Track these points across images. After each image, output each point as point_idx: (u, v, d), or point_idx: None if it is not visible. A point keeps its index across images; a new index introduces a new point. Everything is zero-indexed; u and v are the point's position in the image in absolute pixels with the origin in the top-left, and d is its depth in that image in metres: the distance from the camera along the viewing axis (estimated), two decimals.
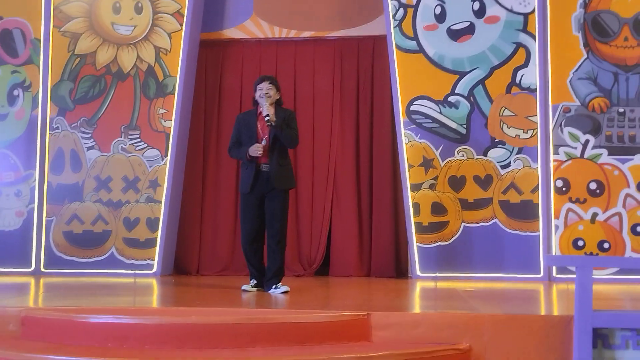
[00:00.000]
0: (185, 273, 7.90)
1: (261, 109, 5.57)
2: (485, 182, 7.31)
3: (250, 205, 5.66)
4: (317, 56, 8.15)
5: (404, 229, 7.66)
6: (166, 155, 7.59)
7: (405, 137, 7.44)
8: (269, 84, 5.61)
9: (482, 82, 7.42)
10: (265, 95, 5.55)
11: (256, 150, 5.49)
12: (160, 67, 7.77)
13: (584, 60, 7.29)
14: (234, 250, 7.89)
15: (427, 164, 7.41)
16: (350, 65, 8.12)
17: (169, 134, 7.60)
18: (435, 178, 7.40)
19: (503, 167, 7.32)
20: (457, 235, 7.30)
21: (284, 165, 5.66)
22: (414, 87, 7.47)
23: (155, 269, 7.50)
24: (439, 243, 7.31)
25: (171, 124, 7.62)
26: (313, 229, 7.93)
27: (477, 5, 7.44)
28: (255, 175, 5.56)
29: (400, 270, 7.79)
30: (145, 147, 7.69)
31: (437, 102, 7.45)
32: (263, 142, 5.52)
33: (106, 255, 7.56)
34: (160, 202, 7.54)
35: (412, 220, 7.40)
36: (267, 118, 5.45)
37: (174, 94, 7.70)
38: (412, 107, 7.51)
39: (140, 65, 7.77)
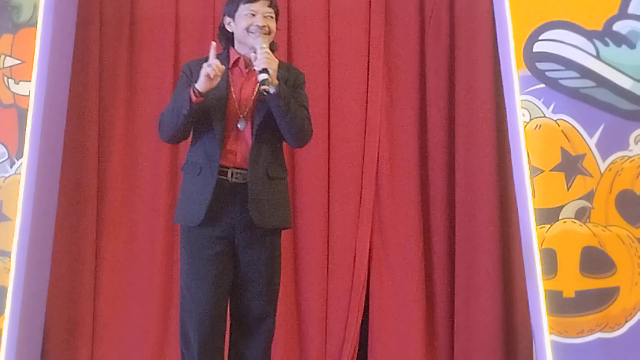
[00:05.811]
0: None
1: (249, 54, 3.41)
2: None
3: (207, 250, 3.33)
4: None
5: (521, 304, 4.62)
6: (19, 156, 4.53)
7: (524, 110, 4.44)
8: (269, 6, 3.44)
9: None
10: (259, 30, 3.38)
11: (209, 68, 3.18)
12: None
13: None
14: (164, 342, 4.69)
15: (570, 165, 4.46)
16: None
17: (26, 110, 4.55)
18: (590, 196, 4.44)
19: None
20: (636, 318, 4.28)
21: (277, 179, 3.44)
22: (541, 3, 4.54)
23: None
24: (599, 335, 4.34)
25: (30, 89, 4.57)
26: (329, 308, 4.78)
27: None
28: (218, 189, 3.30)
29: None
30: None
31: (590, 35, 4.51)
32: (240, 125, 3.43)
33: None
34: (7, 254, 4.37)
35: (539, 287, 4.36)
36: (262, 78, 3.23)
37: (34, 24, 4.62)
38: (539, 46, 4.56)
39: None
